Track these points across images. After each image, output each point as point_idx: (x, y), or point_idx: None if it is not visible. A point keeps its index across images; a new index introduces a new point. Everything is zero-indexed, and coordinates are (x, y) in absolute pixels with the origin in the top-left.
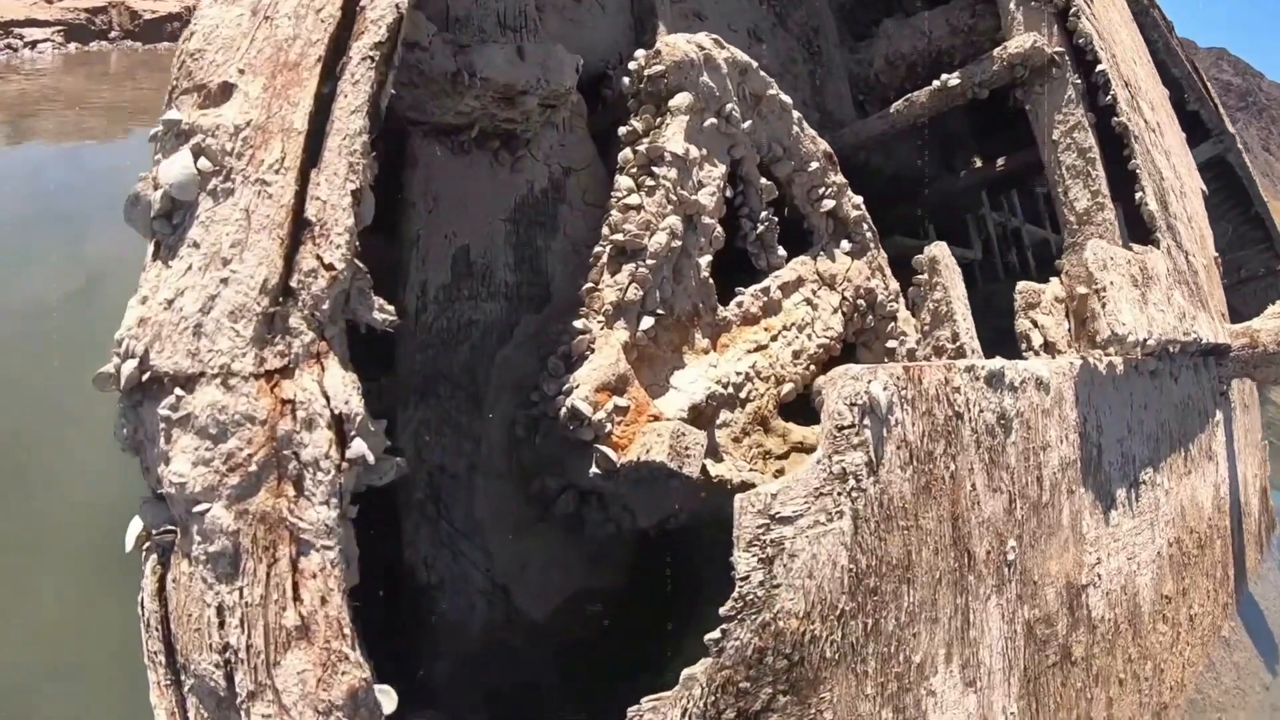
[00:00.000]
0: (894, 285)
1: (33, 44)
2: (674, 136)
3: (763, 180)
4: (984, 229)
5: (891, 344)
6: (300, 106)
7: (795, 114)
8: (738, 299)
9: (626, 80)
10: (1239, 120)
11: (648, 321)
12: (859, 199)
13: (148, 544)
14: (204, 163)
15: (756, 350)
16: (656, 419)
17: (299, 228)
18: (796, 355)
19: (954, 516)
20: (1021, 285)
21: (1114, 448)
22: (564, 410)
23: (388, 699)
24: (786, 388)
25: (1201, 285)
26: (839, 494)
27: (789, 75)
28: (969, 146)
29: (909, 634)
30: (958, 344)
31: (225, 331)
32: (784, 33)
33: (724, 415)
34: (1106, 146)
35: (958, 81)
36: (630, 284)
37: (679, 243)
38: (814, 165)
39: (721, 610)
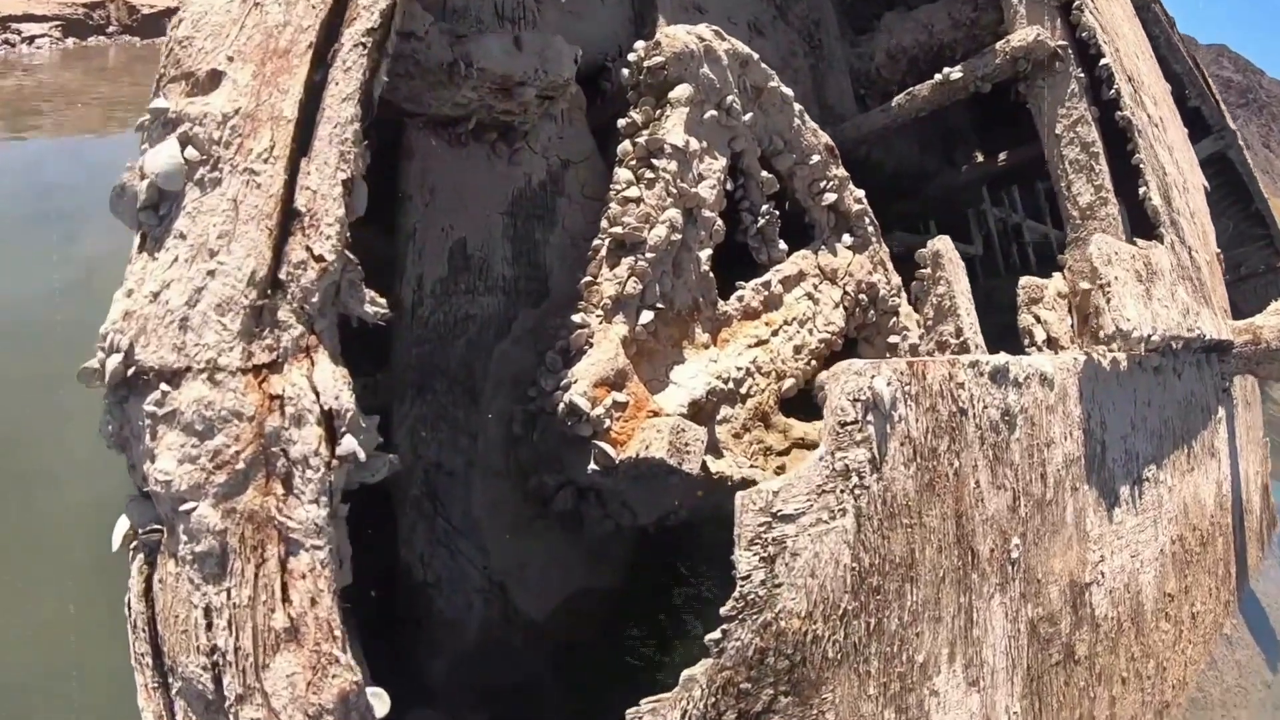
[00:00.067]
0: (896, 280)
1: (30, 39)
2: (674, 129)
3: (764, 173)
4: (985, 224)
5: (894, 339)
6: (290, 94)
7: (797, 106)
8: (738, 293)
9: (626, 72)
10: (1239, 117)
11: (647, 316)
12: (860, 193)
13: (134, 543)
14: (191, 152)
15: (757, 345)
16: (656, 414)
17: (288, 218)
18: (798, 350)
19: (958, 514)
20: (1024, 280)
21: (1118, 444)
22: (562, 406)
23: (380, 702)
24: (788, 383)
25: (1204, 281)
26: (842, 491)
27: (789, 69)
28: (970, 141)
29: (912, 633)
30: (961, 339)
31: (212, 325)
32: (785, 26)
33: (724, 411)
34: (1109, 141)
35: (960, 75)
36: (629, 278)
37: (679, 236)
38: (815, 158)
39: (722, 610)
